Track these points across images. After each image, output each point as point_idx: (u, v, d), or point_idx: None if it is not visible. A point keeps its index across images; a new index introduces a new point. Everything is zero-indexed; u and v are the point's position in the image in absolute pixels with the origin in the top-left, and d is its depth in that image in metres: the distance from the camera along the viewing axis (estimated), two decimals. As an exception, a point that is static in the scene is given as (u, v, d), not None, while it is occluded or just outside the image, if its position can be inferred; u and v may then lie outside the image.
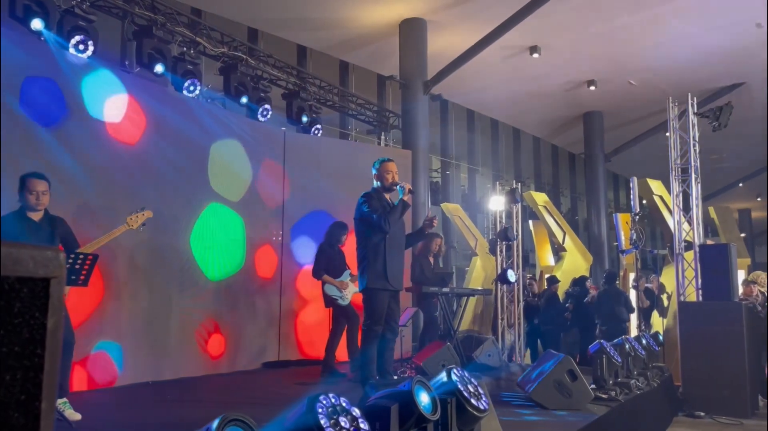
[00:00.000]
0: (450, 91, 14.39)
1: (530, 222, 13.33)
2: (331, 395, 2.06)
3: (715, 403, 6.82)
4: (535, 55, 12.70)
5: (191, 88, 7.05)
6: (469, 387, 2.79)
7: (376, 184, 4.84)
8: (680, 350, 7.32)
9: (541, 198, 11.55)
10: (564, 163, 21.89)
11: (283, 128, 8.58)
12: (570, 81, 14.72)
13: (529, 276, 9.97)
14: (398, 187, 4.71)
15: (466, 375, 2.86)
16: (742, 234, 22.75)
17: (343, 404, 2.08)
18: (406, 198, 4.66)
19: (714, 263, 7.37)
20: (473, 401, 2.71)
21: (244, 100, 7.82)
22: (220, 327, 7.03)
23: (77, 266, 3.84)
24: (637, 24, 11.89)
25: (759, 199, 27.18)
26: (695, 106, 8.11)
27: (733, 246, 7.67)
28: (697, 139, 8.04)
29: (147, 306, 6.21)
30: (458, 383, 2.72)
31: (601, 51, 13.03)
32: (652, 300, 9.30)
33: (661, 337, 7.71)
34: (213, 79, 8.36)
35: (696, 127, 8.06)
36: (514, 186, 9.13)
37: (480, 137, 18.27)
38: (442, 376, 2.77)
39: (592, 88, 14.78)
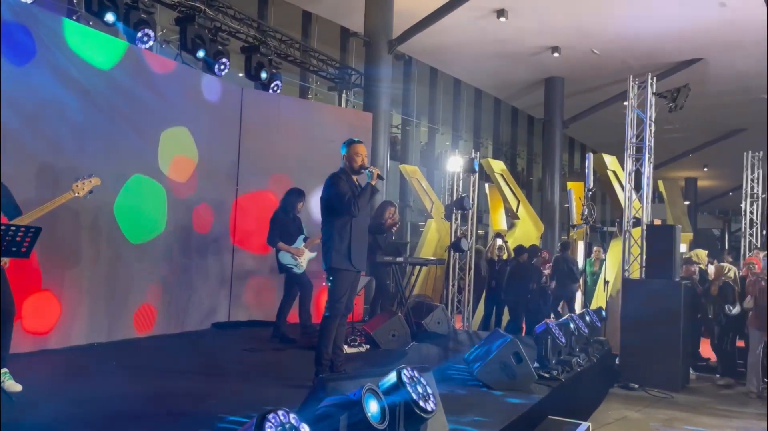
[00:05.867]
0: (414, 49, 14.18)
1: (486, 185, 13.46)
2: (280, 412, 2.05)
3: (649, 376, 7.18)
4: (502, 19, 12.57)
5: (144, 39, 6.70)
6: (419, 388, 2.83)
7: (343, 164, 4.76)
8: (621, 324, 7.63)
9: (498, 166, 11.64)
10: (522, 126, 22.05)
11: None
12: (535, 46, 14.67)
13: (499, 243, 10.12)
14: (367, 171, 4.65)
15: (416, 375, 2.90)
16: (687, 202, 23.62)
17: (293, 421, 2.07)
18: (374, 182, 4.61)
19: (659, 243, 7.63)
20: (421, 403, 2.75)
21: (200, 53, 7.49)
22: (168, 288, 6.93)
23: (18, 239, 3.68)
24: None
25: (705, 169, 28.10)
26: (654, 85, 8.21)
27: (678, 228, 7.94)
28: (653, 119, 8.17)
29: (92, 267, 6.05)
30: (408, 385, 2.75)
31: (567, 18, 12.97)
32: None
33: (604, 312, 7.99)
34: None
35: (653, 107, 8.17)
36: (473, 155, 9.15)
37: (442, 95, 18.16)
38: (392, 378, 2.79)
39: (556, 54, 14.77)
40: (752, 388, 7.01)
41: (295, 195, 6.63)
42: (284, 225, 6.53)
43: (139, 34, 6.67)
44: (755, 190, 12.51)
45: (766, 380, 7.00)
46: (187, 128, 7.07)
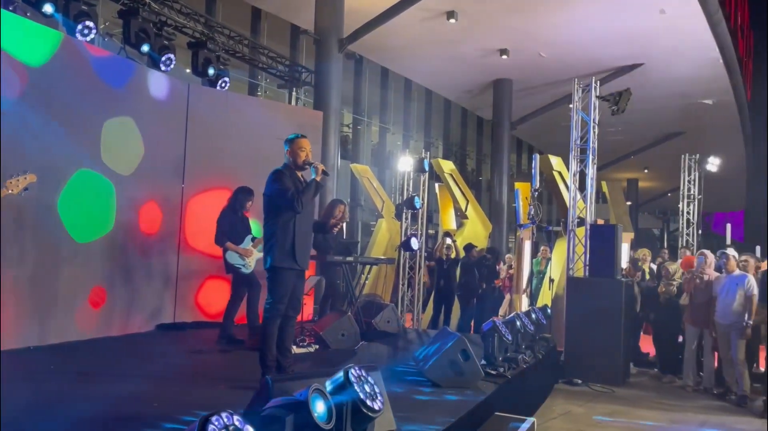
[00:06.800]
0: (365, 48, 14.19)
1: (436, 185, 13.58)
2: (224, 414, 2.01)
3: (592, 372, 7.37)
4: (452, 21, 12.70)
5: (85, 32, 6.48)
6: (366, 387, 2.82)
7: (287, 160, 4.68)
8: (565, 321, 7.81)
9: (447, 166, 11.76)
10: (472, 126, 22.34)
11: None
12: (484, 48, 14.88)
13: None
14: (311, 167, 4.59)
15: (363, 374, 2.89)
16: (629, 203, 24.42)
17: (237, 423, 2.04)
18: (318, 178, 4.55)
19: (602, 242, 7.84)
20: (369, 402, 2.75)
21: (145, 48, 7.30)
22: (111, 288, 6.72)
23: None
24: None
25: (646, 171, 29.10)
26: (598, 89, 8.44)
27: (620, 227, 8.19)
28: (597, 122, 8.40)
29: (29, 268, 5.81)
30: (355, 385, 2.75)
31: (515, 22, 13.21)
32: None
33: (549, 310, 8.17)
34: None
35: (597, 110, 8.40)
36: (423, 155, 9.22)
37: (393, 95, 18.23)
38: (340, 377, 2.78)
39: (504, 56, 15.02)
40: (689, 382, 7.29)
41: (244, 194, 6.53)
42: (232, 225, 6.43)
43: (80, 27, 6.45)
44: (692, 192, 13.06)
45: (701, 374, 7.29)
46: (131, 118, 6.87)
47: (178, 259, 7.61)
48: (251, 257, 6.41)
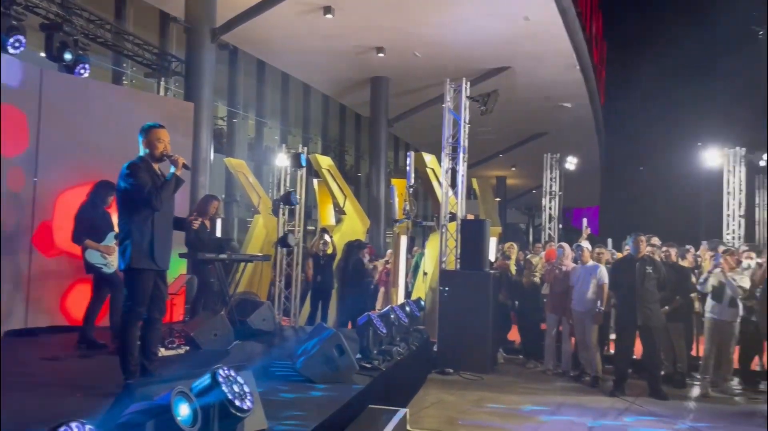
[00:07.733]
0: (240, 39, 13.81)
1: (315, 180, 13.50)
2: (74, 424, 1.86)
3: (462, 361, 7.69)
4: (329, 16, 12.67)
5: None
6: (234, 387, 2.74)
7: (143, 151, 4.39)
8: (438, 313, 8.08)
9: (325, 161, 11.74)
10: (350, 123, 22.46)
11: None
12: (360, 45, 14.98)
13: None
14: (170, 160, 4.33)
15: (232, 374, 2.80)
16: (498, 199, 25.73)
17: (88, 433, 1.89)
18: (179, 172, 4.31)
19: (472, 236, 8.20)
20: (237, 403, 2.67)
21: (-11, 27, 6.61)
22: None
23: None
24: (425, 1, 12.46)
25: (513, 169, 30.82)
26: (468, 90, 8.79)
27: (488, 222, 8.60)
28: (467, 121, 8.74)
29: None
30: (223, 385, 2.65)
31: (391, 20, 13.42)
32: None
33: (423, 302, 8.41)
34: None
35: (467, 110, 8.76)
36: (300, 150, 9.14)
37: (270, 89, 17.88)
38: (206, 378, 2.67)
39: (381, 54, 15.23)
40: (549, 366, 7.81)
41: (105, 188, 6.11)
42: (92, 221, 6.01)
43: None
44: (553, 189, 14.03)
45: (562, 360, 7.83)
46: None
47: (30, 259, 6.98)
48: (113, 255, 6.01)
